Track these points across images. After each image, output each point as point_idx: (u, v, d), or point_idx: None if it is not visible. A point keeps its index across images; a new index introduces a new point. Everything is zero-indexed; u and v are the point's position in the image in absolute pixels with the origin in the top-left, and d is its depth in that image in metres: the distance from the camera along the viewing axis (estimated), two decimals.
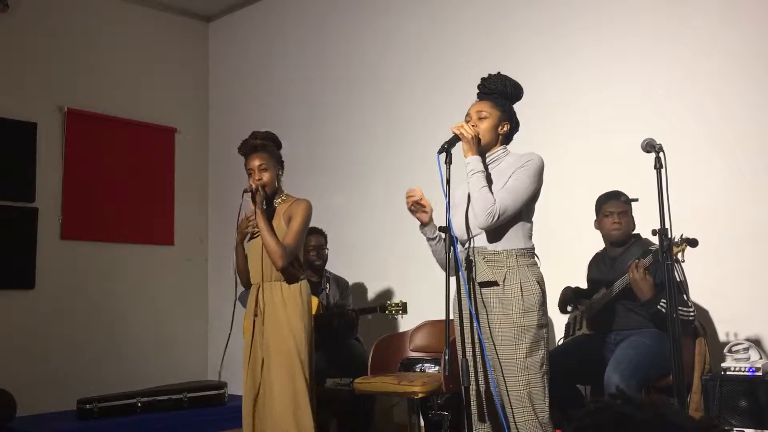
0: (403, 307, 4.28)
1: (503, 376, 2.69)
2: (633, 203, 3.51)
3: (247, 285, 3.54)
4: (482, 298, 2.74)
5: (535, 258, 2.80)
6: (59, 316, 5.41)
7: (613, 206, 3.50)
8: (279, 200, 3.48)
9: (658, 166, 2.74)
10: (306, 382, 3.29)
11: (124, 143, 5.92)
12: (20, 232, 5.28)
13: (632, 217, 3.51)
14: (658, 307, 3.19)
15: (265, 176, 3.41)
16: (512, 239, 2.74)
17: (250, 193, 3.38)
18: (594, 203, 3.62)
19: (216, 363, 6.17)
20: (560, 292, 3.71)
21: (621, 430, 1.35)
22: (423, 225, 2.93)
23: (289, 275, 3.37)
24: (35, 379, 5.16)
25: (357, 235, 5.19)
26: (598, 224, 3.58)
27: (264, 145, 3.48)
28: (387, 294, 5.08)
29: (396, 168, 5.11)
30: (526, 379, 2.65)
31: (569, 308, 3.71)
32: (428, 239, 2.93)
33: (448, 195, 2.68)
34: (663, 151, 2.75)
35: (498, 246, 2.73)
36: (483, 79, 2.93)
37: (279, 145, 3.57)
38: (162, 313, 5.99)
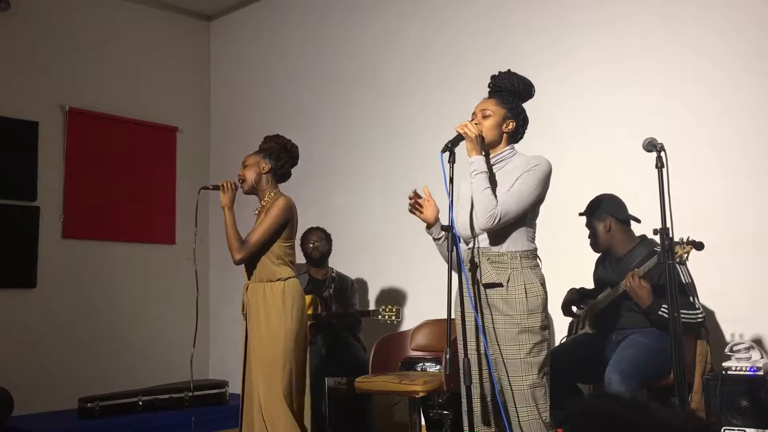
0: (396, 313, 4.19)
1: (507, 376, 2.69)
2: (635, 220, 3.54)
3: None
4: (487, 298, 2.74)
5: (538, 260, 2.80)
6: (61, 315, 5.41)
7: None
8: (266, 199, 3.49)
9: (660, 165, 2.74)
10: (288, 384, 3.25)
11: (126, 142, 5.93)
12: (22, 230, 5.29)
13: (605, 223, 3.51)
14: (660, 312, 3.19)
15: (246, 173, 3.50)
16: (516, 241, 2.74)
17: (215, 189, 3.51)
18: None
19: (217, 361, 6.18)
20: (564, 293, 3.71)
21: (610, 430, 1.35)
22: (428, 226, 2.94)
23: (268, 273, 3.35)
24: (37, 377, 5.17)
25: (357, 235, 5.19)
26: None
27: (260, 148, 3.54)
28: (387, 293, 5.08)
29: (396, 168, 5.11)
30: (530, 378, 2.66)
31: (574, 309, 3.71)
32: (434, 239, 2.93)
33: (451, 194, 2.68)
34: (664, 151, 2.75)
35: (501, 247, 2.74)
36: (492, 76, 2.92)
37: (289, 153, 3.57)
38: (163, 311, 5.99)
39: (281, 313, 3.29)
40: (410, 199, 2.90)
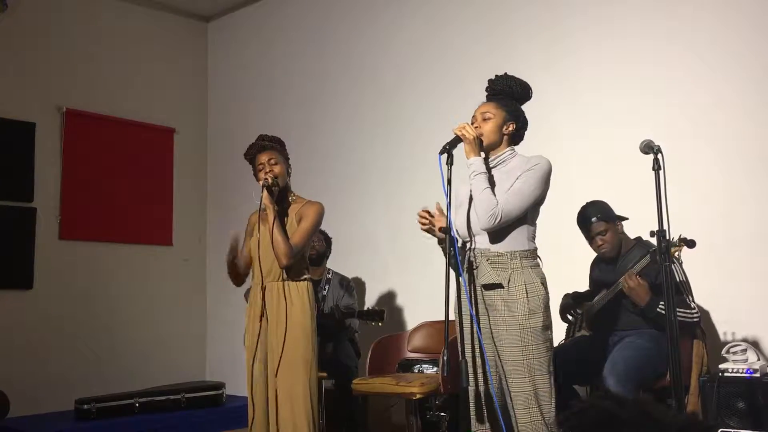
0: (380, 315, 4.12)
1: (508, 378, 2.68)
2: (624, 220, 3.55)
3: (239, 281, 3.54)
4: (485, 299, 2.74)
5: (538, 259, 2.80)
6: (57, 317, 5.40)
7: (592, 230, 3.53)
8: (290, 199, 3.49)
9: (657, 167, 2.74)
10: (314, 381, 3.31)
11: (123, 143, 5.92)
12: (18, 232, 5.28)
13: (617, 227, 3.51)
14: (658, 310, 3.20)
15: (276, 169, 3.41)
16: (516, 240, 2.74)
17: (266, 188, 3.32)
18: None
19: (214, 363, 6.17)
20: (560, 298, 3.71)
21: (608, 429, 1.35)
22: (440, 241, 2.87)
23: (295, 273, 3.37)
24: (33, 379, 5.16)
25: (356, 235, 5.19)
26: (589, 244, 3.60)
27: (272, 146, 3.51)
28: (386, 294, 5.08)
29: (396, 168, 5.11)
30: (533, 380, 2.65)
31: (572, 313, 3.71)
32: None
33: (449, 195, 2.68)
34: (661, 153, 2.76)
35: (501, 247, 2.73)
36: (490, 80, 2.93)
37: (285, 151, 3.58)
38: (160, 313, 5.98)
39: (307, 311, 3.34)
40: (422, 218, 2.85)
